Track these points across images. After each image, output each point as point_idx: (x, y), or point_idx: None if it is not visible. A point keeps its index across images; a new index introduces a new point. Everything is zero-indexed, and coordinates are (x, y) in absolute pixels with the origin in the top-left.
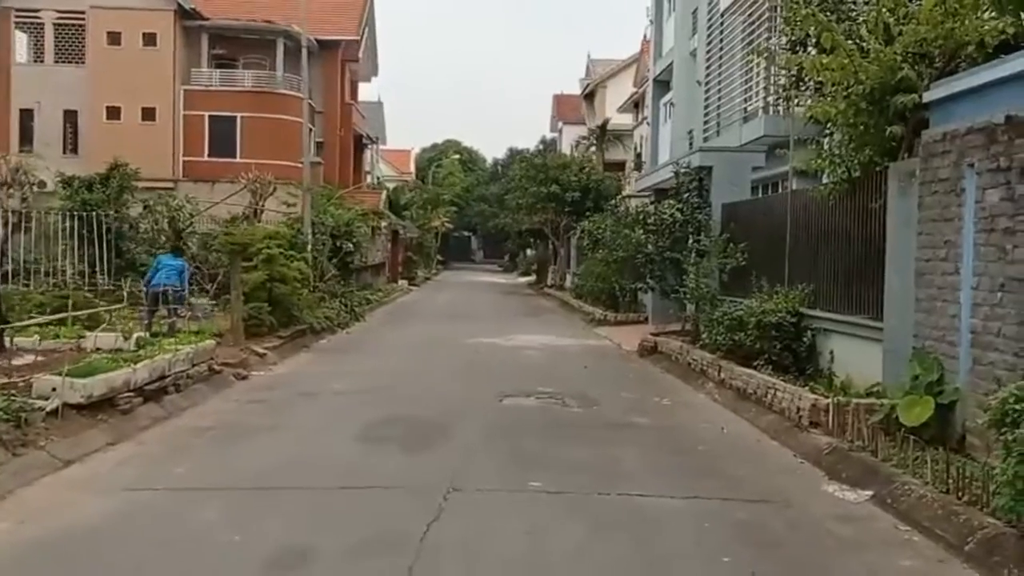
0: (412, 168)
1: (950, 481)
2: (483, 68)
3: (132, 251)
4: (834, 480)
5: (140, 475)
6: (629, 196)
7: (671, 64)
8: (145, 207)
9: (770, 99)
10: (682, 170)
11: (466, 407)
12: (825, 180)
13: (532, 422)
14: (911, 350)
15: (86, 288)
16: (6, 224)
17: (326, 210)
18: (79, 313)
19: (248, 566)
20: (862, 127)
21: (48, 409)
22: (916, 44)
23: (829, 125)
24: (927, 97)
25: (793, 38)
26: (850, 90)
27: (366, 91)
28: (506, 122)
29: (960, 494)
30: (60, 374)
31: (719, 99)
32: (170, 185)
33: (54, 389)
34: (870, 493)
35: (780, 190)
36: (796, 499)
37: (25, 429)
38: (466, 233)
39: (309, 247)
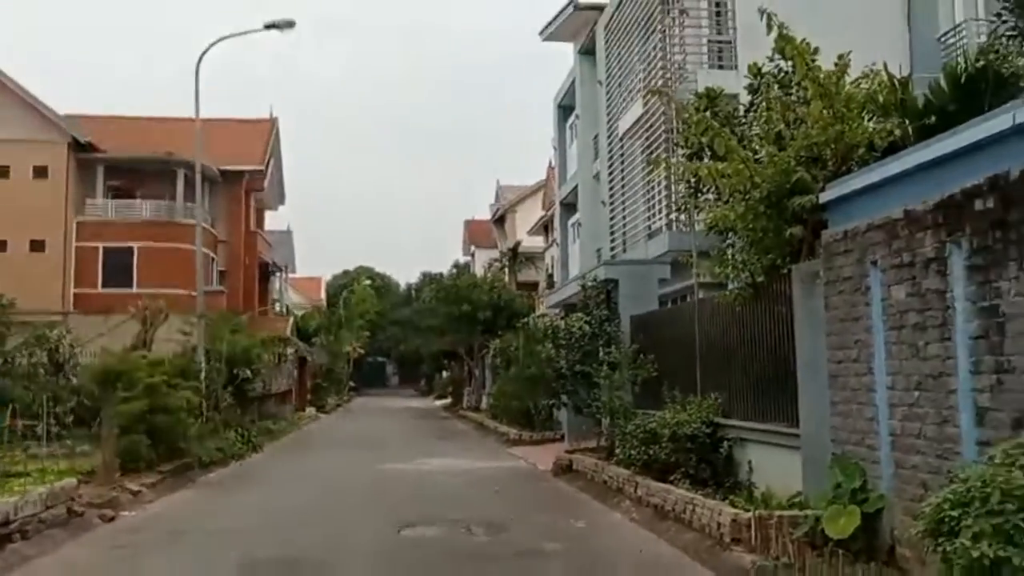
0: (323, 295)
1: None
2: (394, 196)
3: (7, 387)
4: None
5: None
6: (542, 314)
7: (576, 187)
8: (22, 342)
9: (673, 215)
10: (588, 284)
11: (360, 541)
12: (731, 287)
13: (431, 555)
14: (831, 456)
15: None
16: None
17: (222, 338)
18: None
19: None
20: (762, 231)
21: None
22: (808, 148)
23: (731, 234)
24: (824, 197)
25: (690, 150)
26: (747, 195)
27: (275, 220)
28: (419, 248)
29: None
30: None
31: (624, 218)
32: (59, 317)
33: None
34: None
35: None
36: None
37: None
38: (380, 358)
39: (202, 375)
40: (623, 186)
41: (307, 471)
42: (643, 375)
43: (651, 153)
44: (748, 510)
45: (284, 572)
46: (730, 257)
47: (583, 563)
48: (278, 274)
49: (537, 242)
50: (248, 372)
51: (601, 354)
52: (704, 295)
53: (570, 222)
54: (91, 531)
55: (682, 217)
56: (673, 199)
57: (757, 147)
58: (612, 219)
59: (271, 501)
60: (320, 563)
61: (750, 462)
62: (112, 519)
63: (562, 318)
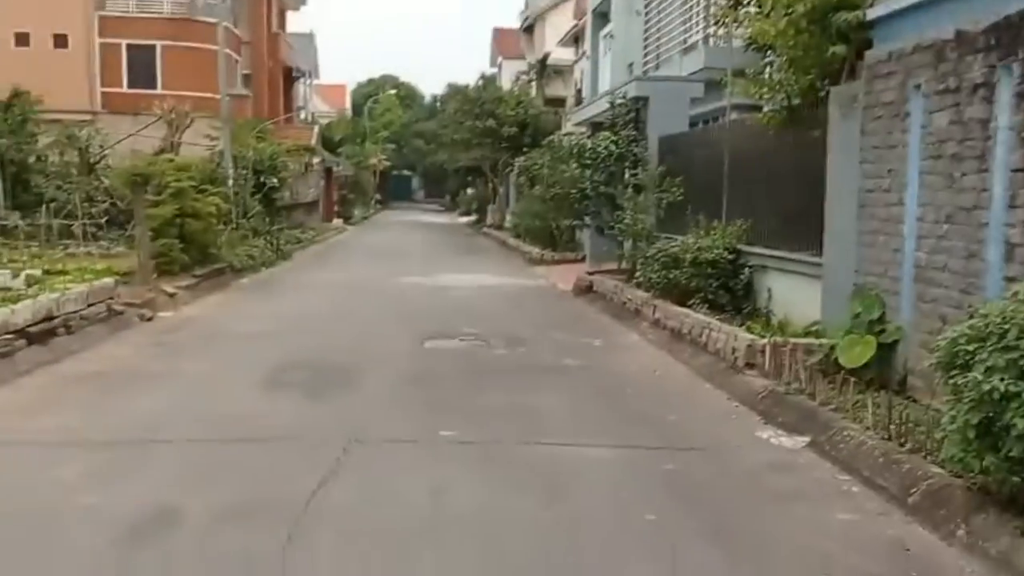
0: (348, 104)
1: (892, 427)
2: (421, 2)
3: (41, 185)
4: (770, 425)
5: (5, 427)
6: (568, 133)
7: None
8: (53, 141)
9: (711, 29)
10: (617, 101)
11: (384, 350)
12: (765, 109)
13: (453, 366)
14: (852, 287)
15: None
16: None
17: (247, 144)
18: None
19: (95, 537)
20: (802, 49)
21: None
22: None
23: (769, 52)
24: (872, 14)
25: None
26: (791, 8)
27: (297, 22)
28: (445, 58)
29: (903, 441)
30: None
31: (659, 30)
32: (88, 117)
33: None
34: (807, 439)
35: None
36: (729, 447)
37: None
38: (406, 172)
39: (230, 182)
40: None
41: (334, 280)
42: (668, 198)
43: None
44: (764, 336)
45: (311, 373)
46: (767, 77)
47: (599, 380)
48: (302, 80)
49: (567, 54)
50: (275, 180)
51: (627, 176)
52: (737, 117)
53: (602, 33)
54: (131, 329)
55: (720, 31)
56: (711, 10)
57: None
58: (647, 31)
59: (299, 307)
60: (345, 367)
61: (770, 290)
62: (150, 319)
63: (589, 137)
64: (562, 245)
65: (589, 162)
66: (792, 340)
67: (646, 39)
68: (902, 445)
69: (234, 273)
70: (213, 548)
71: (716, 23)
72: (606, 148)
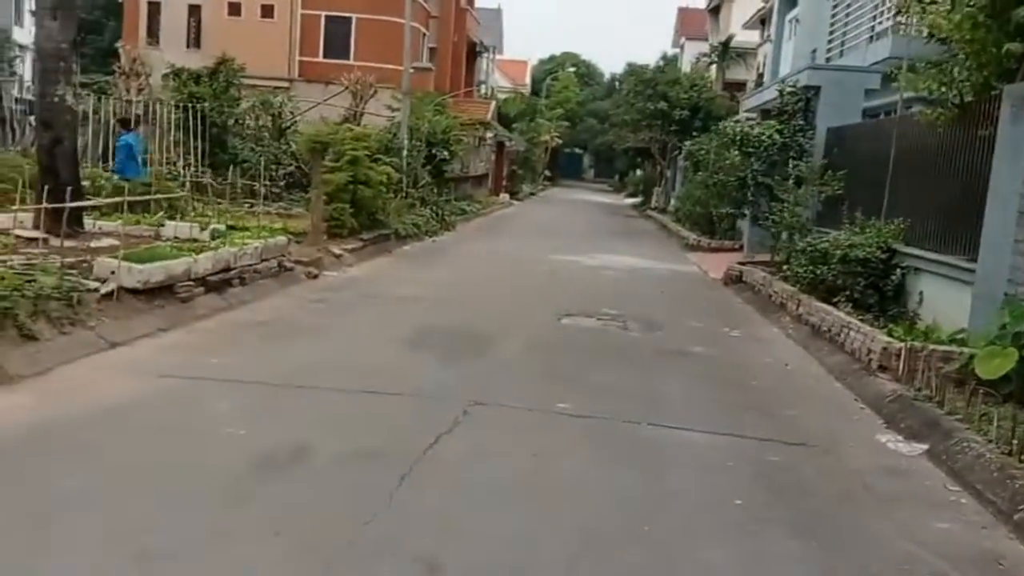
0: (528, 80)
1: (1015, 442)
2: None
3: (237, 147)
4: (891, 430)
5: (178, 362)
6: (737, 120)
7: None
8: (250, 106)
9: (900, 18)
10: (787, 89)
11: (523, 322)
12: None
13: (584, 343)
14: (1003, 296)
15: (189, 179)
16: (125, 113)
17: (424, 116)
18: (135, 199)
19: (236, 460)
20: (979, 44)
21: (103, 291)
22: None
23: (947, 45)
24: None
25: None
26: (971, 1)
27: None
28: (629, 37)
29: (1023, 457)
30: (118, 258)
31: (847, 15)
32: (285, 84)
33: (112, 272)
34: (925, 447)
35: None
36: (841, 446)
37: (77, 309)
38: (578, 150)
39: (404, 152)
40: None
41: (490, 252)
42: (828, 192)
43: None
44: (904, 340)
45: (451, 338)
46: (940, 72)
47: (727, 369)
48: (485, 55)
49: (752, 37)
50: (446, 153)
51: (790, 166)
52: (908, 111)
53: (788, 17)
54: (297, 284)
55: (904, 20)
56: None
57: None
58: (834, 15)
59: (454, 276)
60: (482, 335)
61: (921, 293)
62: (316, 276)
63: (757, 124)
64: (721, 233)
65: (751, 150)
66: (930, 346)
67: (832, 24)
68: (1021, 461)
69: (398, 240)
70: (332, 481)
71: (898, 12)
72: (769, 137)
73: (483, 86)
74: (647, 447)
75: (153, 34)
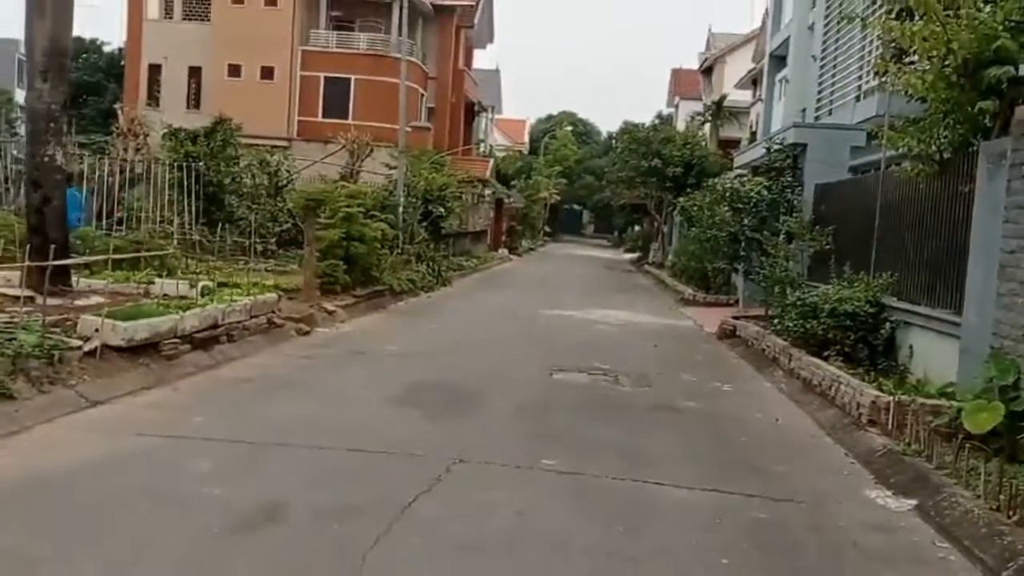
0: (526, 138)
1: (1002, 497)
2: (604, 40)
3: (233, 205)
4: (880, 485)
5: (159, 420)
6: (729, 176)
7: (788, 38)
8: (246, 164)
9: (883, 78)
10: (775, 147)
11: (513, 378)
12: (911, 161)
13: (574, 398)
14: (989, 349)
15: (182, 237)
16: (122, 172)
17: (420, 174)
18: (121, 256)
19: (210, 521)
20: (953, 103)
21: (86, 349)
22: (1019, 12)
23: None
24: None
25: (894, 5)
26: (945, 59)
27: (483, 59)
28: (624, 96)
29: (1011, 512)
30: (101, 315)
31: (834, 76)
32: (285, 143)
33: (96, 330)
34: (914, 502)
35: None
36: (830, 502)
37: (58, 367)
38: (577, 206)
39: (400, 209)
40: (837, 40)
41: (485, 308)
42: (816, 247)
43: (867, 8)
44: (892, 393)
45: (439, 394)
46: (919, 129)
47: (717, 424)
48: (483, 114)
49: (744, 96)
50: (442, 209)
51: (780, 222)
52: (893, 168)
53: (778, 77)
54: (287, 341)
55: (886, 81)
56: (873, 60)
57: (964, 8)
58: (821, 76)
59: (446, 332)
60: (471, 391)
61: (911, 347)
62: (307, 333)
63: (748, 181)
64: (716, 287)
65: (741, 206)
66: (919, 399)
67: (820, 84)
68: (1009, 517)
69: (393, 296)
70: (306, 541)
71: (876, 73)
72: (758, 193)
73: (482, 144)
74: (633, 504)
75: (153, 96)
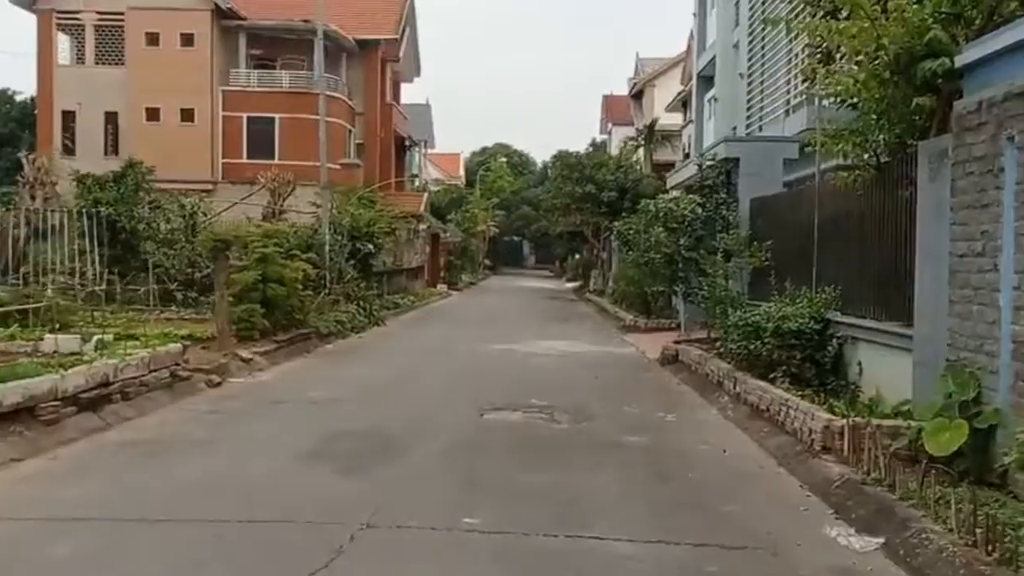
0: (461, 171)
1: (979, 531)
2: (535, 71)
3: (148, 252)
4: (841, 520)
5: (25, 498)
6: (670, 198)
7: (714, 58)
8: (156, 207)
9: (814, 89)
10: (707, 163)
11: (442, 421)
12: (841, 169)
13: (506, 441)
14: (944, 362)
15: (87, 289)
16: (28, 224)
17: (344, 210)
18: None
19: None
20: (887, 102)
21: None
22: (949, 2)
23: (856, 107)
24: (960, 60)
25: (820, 8)
26: (875, 58)
27: (413, 94)
28: (557, 126)
29: (990, 548)
30: None
31: (762, 91)
32: (210, 187)
33: None
34: (881, 540)
35: None
36: (788, 546)
37: None
38: (516, 238)
39: (326, 247)
40: (763, 56)
41: (419, 346)
42: (755, 264)
43: (797, 13)
44: (846, 415)
45: (357, 445)
46: (853, 134)
47: (662, 460)
48: (415, 149)
49: (675, 119)
50: (370, 246)
51: (716, 240)
52: (828, 177)
53: (707, 97)
54: (194, 395)
55: (814, 87)
56: (800, 71)
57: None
58: (750, 93)
59: (374, 374)
60: (393, 439)
61: (860, 363)
62: (218, 384)
63: (681, 199)
64: (656, 312)
65: (675, 226)
66: (875, 421)
67: (749, 101)
68: (989, 553)
69: (320, 339)
70: None
71: (804, 80)
72: (692, 211)
73: (416, 180)
74: (567, 565)
75: (68, 143)
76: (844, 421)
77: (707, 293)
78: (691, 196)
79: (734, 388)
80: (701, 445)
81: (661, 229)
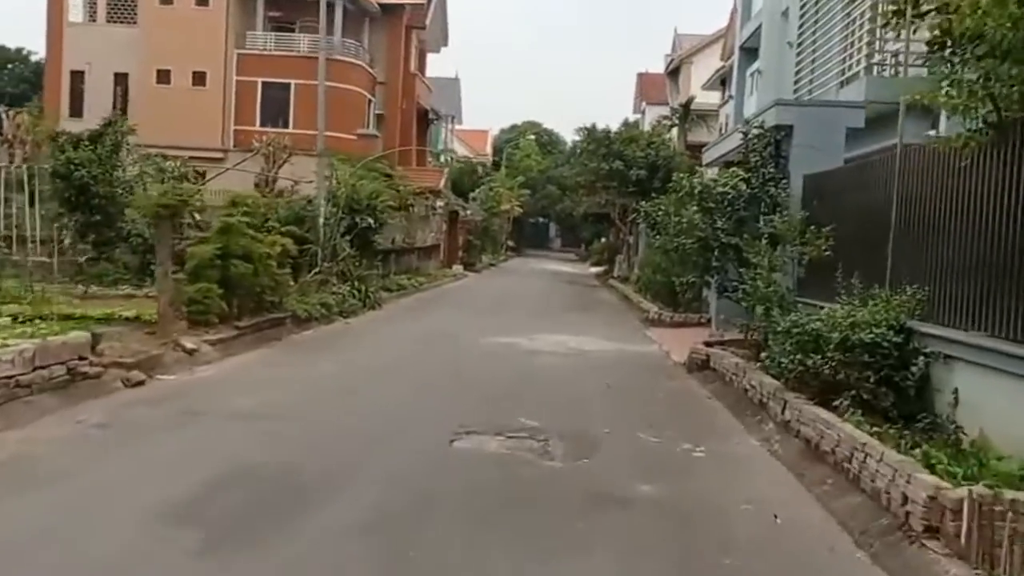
0: (489, 149)
1: None
2: (569, 48)
3: (127, 221)
4: None
5: None
6: (697, 171)
7: (759, 27)
8: (139, 173)
9: (878, 55)
10: (753, 131)
11: (392, 451)
12: (956, 131)
13: (472, 491)
14: None
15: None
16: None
17: (344, 180)
18: None
19: None
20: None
21: None
22: None
23: (965, 47)
24: None
25: None
26: None
27: (441, 66)
28: (590, 104)
29: None
30: None
31: (813, 62)
32: (220, 155)
33: None
34: None
35: None
36: None
37: None
38: (542, 219)
39: (321, 221)
40: (816, 21)
41: (410, 336)
42: (812, 254)
43: None
44: (955, 472)
45: (256, 492)
46: (963, 80)
47: (685, 527)
48: (439, 122)
49: (712, 98)
50: (371, 220)
51: (761, 223)
52: (915, 144)
53: (749, 71)
54: (97, 399)
55: (889, 42)
56: (860, 35)
57: None
58: (799, 63)
59: (339, 373)
60: (313, 482)
61: (956, 392)
62: (139, 383)
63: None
64: (685, 304)
65: (712, 205)
66: (1007, 495)
67: (798, 72)
68: None
69: (297, 324)
70: None
71: (886, 25)
72: (734, 187)
73: (442, 156)
74: None
75: (77, 105)
76: (962, 493)
77: (748, 287)
78: (733, 169)
79: (782, 413)
80: (742, 504)
81: (696, 208)
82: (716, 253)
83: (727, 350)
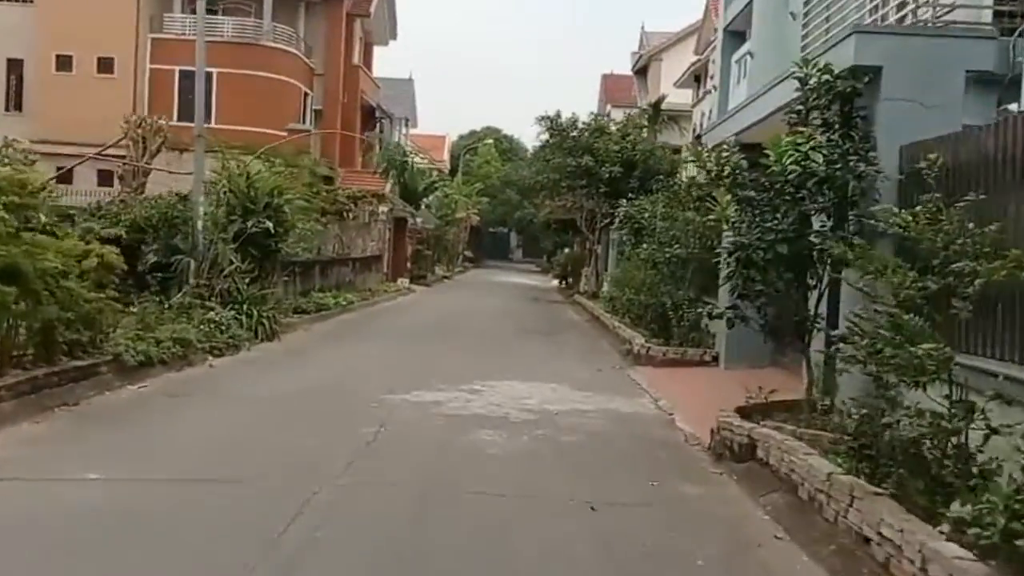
0: (446, 155)
1: None
2: (528, 51)
3: None
4: None
5: None
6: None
7: (749, 5)
8: None
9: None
10: (814, 77)
11: None
12: None
13: None
14: None
15: None
16: None
17: (227, 169)
18: None
19: None
20: None
21: None
22: None
23: None
24: None
25: None
26: None
27: (391, 64)
28: (551, 108)
29: None
30: None
31: (827, 30)
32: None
33: None
34: None
35: None
36: None
37: None
38: (503, 229)
39: (199, 223)
40: None
41: (290, 390)
42: (994, 275)
43: None
44: None
45: None
46: None
47: None
48: (387, 121)
49: (684, 98)
50: (268, 223)
51: (849, 221)
52: None
53: (735, 57)
54: None
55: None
56: None
57: None
58: (805, 37)
59: (131, 482)
60: None
61: None
62: None
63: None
64: (680, 333)
65: (754, 194)
66: None
67: (805, 47)
68: None
69: (122, 374)
70: None
71: None
72: (800, 163)
73: (386, 156)
74: None
75: None
76: None
77: (856, 342)
78: (789, 139)
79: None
80: None
81: (729, 197)
82: (759, 266)
83: (783, 420)
